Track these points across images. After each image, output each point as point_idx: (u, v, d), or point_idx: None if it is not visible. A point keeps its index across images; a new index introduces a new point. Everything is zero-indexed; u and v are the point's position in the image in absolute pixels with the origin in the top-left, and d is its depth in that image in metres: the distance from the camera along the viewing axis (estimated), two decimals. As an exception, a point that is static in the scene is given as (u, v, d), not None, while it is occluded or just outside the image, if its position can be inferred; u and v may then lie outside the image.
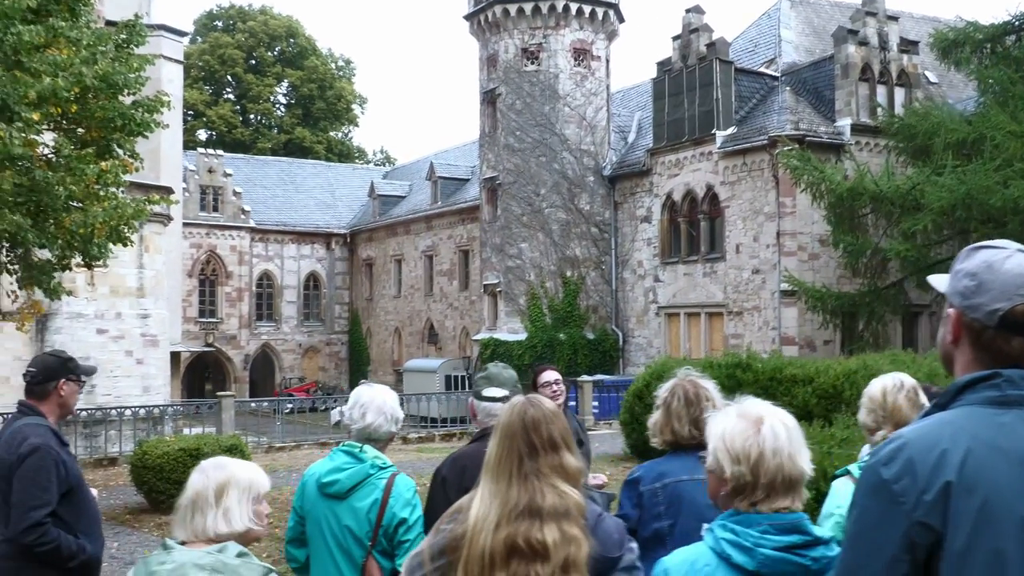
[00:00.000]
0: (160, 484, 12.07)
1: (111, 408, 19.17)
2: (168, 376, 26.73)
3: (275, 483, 15.41)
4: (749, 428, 2.42)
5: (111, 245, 13.13)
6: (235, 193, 45.56)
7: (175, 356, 33.25)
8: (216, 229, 44.86)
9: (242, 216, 45.59)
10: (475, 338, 34.33)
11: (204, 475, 2.78)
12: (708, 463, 2.52)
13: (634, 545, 2.63)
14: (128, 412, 20.38)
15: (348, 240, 48.48)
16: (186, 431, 19.78)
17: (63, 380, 4.66)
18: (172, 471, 12.08)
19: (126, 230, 12.40)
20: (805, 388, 13.29)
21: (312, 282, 48.28)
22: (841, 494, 3.68)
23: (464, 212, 39.89)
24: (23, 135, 9.88)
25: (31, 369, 4.73)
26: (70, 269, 14.01)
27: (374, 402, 3.98)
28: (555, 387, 5.81)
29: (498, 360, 24.04)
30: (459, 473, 3.83)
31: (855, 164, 24.20)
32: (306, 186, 49.83)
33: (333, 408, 20.48)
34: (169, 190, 22.32)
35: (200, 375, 47.81)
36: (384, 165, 63.96)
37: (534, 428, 2.49)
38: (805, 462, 2.44)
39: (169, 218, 27.10)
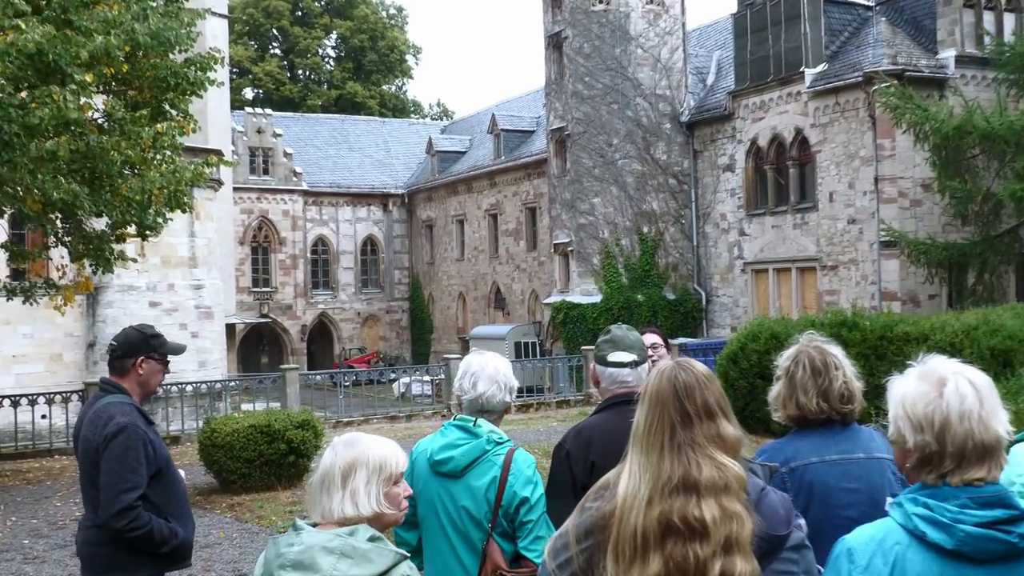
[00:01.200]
0: (230, 463, 12.26)
1: (169, 384, 19.55)
2: (224, 349, 27.19)
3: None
4: (931, 391, 2.32)
5: (167, 212, 13.30)
6: (286, 154, 45.96)
7: (230, 328, 33.84)
8: (267, 193, 45.34)
9: (294, 179, 46.01)
10: (545, 302, 34.28)
11: (333, 453, 2.78)
12: (890, 433, 2.43)
13: (802, 522, 2.55)
14: (189, 388, 20.74)
15: (406, 200, 48.72)
16: (245, 407, 20.09)
17: (143, 357, 4.68)
18: (242, 449, 12.26)
19: (184, 196, 12.55)
20: (919, 347, 12.99)
21: (369, 246, 48.69)
22: (1022, 462, 3.52)
23: (530, 167, 39.77)
24: (77, 98, 9.99)
25: (113, 343, 4.77)
26: (124, 240, 14.22)
27: (485, 370, 3.94)
28: (657, 351, 5.68)
29: (571, 325, 23.64)
30: (584, 447, 3.76)
31: (962, 100, 23.46)
32: (360, 144, 50.10)
33: (396, 380, 20.68)
34: (220, 153, 22.59)
35: (255, 348, 48.55)
36: (442, 119, 64.02)
37: (687, 394, 2.43)
38: (1001, 425, 2.33)
39: (220, 183, 27.43)
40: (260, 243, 45.86)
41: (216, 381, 22.41)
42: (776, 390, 3.62)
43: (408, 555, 2.71)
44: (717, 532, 2.29)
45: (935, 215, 25.71)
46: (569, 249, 32.27)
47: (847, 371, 3.57)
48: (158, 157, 11.88)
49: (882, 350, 12.82)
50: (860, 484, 3.47)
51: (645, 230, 31.64)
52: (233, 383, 24.08)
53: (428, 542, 3.77)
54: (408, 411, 23.31)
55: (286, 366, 23.46)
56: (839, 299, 26.87)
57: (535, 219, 40.11)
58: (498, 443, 3.80)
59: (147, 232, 13.86)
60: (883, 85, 24.30)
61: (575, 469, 3.73)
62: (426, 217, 47.95)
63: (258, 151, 45.30)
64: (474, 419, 3.87)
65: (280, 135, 46.07)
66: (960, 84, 25.81)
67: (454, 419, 3.93)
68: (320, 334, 47.72)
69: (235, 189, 39.52)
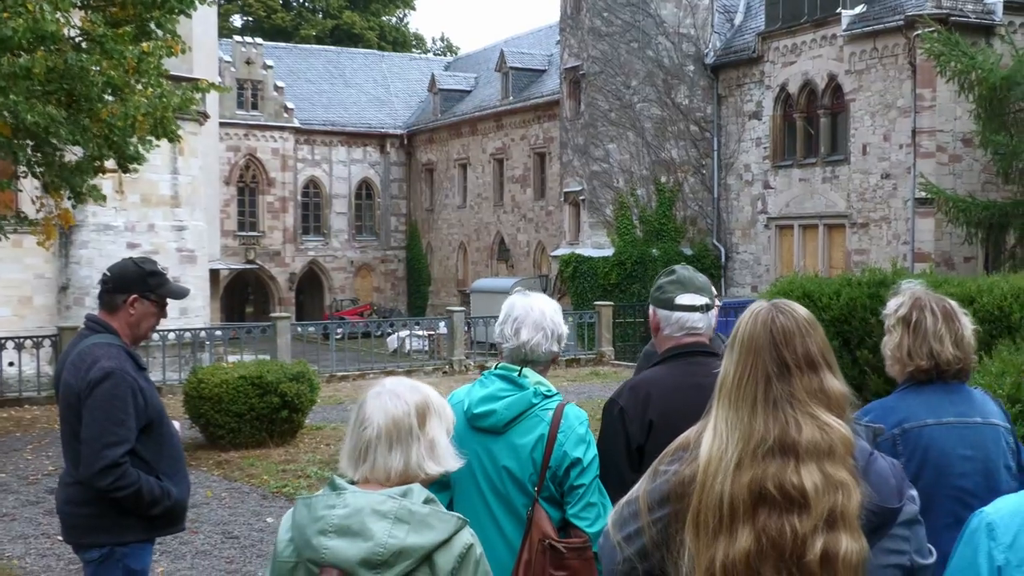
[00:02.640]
0: (218, 417, 12.07)
1: (149, 331, 19.27)
2: (207, 297, 26.96)
3: (346, 417, 15.52)
4: None
5: (152, 142, 12.97)
6: (276, 88, 45.58)
7: (213, 275, 33.61)
8: (256, 130, 45.00)
9: (285, 115, 45.67)
10: (553, 254, 34.11)
11: (397, 398, 2.52)
12: None
13: (914, 492, 2.33)
14: (172, 336, 20.53)
15: (405, 142, 48.40)
16: (231, 359, 19.88)
17: (136, 296, 4.38)
18: (232, 402, 12.05)
19: (171, 124, 12.21)
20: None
21: (365, 190, 48.44)
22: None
23: (540, 108, 39.40)
24: (55, 9, 9.62)
25: (106, 273, 4.47)
26: (103, 172, 13.90)
27: (530, 315, 3.66)
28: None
29: (580, 279, 23.38)
30: (641, 403, 3.53)
31: (1011, 48, 23.05)
32: (357, 80, 49.68)
33: (391, 334, 20.54)
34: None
35: (240, 296, 48.44)
36: (446, 55, 63.68)
37: (786, 341, 2.22)
38: None
39: (206, 116, 27.03)
40: (247, 184, 45.57)
41: (201, 329, 22.18)
42: (896, 340, 3.43)
43: (468, 520, 2.50)
44: (819, 503, 2.11)
45: (975, 172, 25.52)
46: (580, 198, 32.04)
47: (966, 322, 3.46)
48: (143, 80, 11.51)
49: None
50: (976, 451, 3.31)
51: (663, 180, 31.40)
52: (219, 332, 23.86)
53: (461, 507, 3.50)
54: (407, 366, 23.14)
55: (277, 315, 23.26)
56: (868, 259, 26.51)
57: (544, 165, 39.79)
58: (546, 396, 3.56)
59: (128, 164, 13.53)
60: (927, 30, 23.91)
61: (630, 429, 3.51)
62: (426, 160, 47.63)
63: (247, 84, 44.82)
64: (519, 368, 3.62)
65: (271, 67, 45.64)
66: (1008, 31, 25.40)
67: (496, 367, 3.68)
68: (310, 283, 47.59)
69: (221, 124, 39.09)
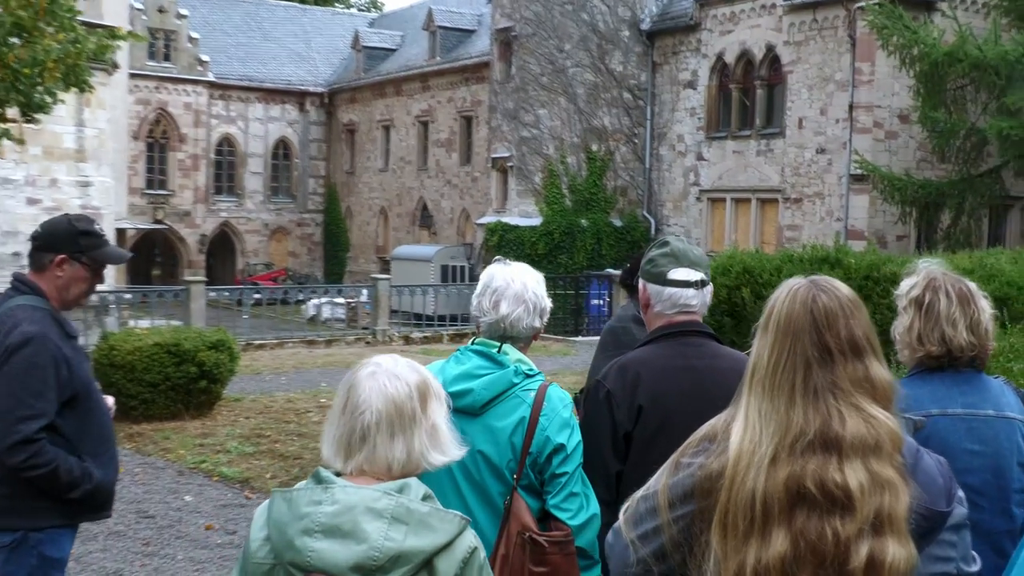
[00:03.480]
0: (130, 386, 11.67)
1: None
2: (115, 257, 26.18)
3: (266, 388, 15.09)
4: None
5: (60, 91, 12.44)
6: (191, 39, 44.72)
7: (120, 234, 32.78)
8: (168, 83, 44.12)
9: (199, 68, 44.81)
10: (479, 222, 34.00)
11: (396, 379, 2.29)
12: None
13: (962, 494, 2.21)
14: (73, 298, 19.82)
15: (326, 101, 47.89)
16: (139, 324, 19.34)
17: (64, 256, 4.05)
18: (145, 371, 11.66)
19: (83, 72, 11.69)
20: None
21: (282, 150, 47.82)
22: None
23: (469, 70, 39.16)
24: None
25: (37, 229, 4.15)
26: (5, 120, 13.32)
27: (511, 287, 3.48)
28: None
29: (507, 248, 23.17)
30: (630, 386, 3.37)
31: (955, 24, 23.29)
32: (276, 34, 48.90)
33: (306, 301, 20.20)
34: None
35: (147, 257, 47.37)
36: (370, 11, 62.99)
37: (828, 324, 2.08)
38: None
39: (115, 66, 26.18)
40: (157, 139, 44.66)
41: (109, 292, 21.53)
42: (907, 323, 3.29)
43: (470, 519, 2.29)
44: (865, 504, 1.97)
45: (911, 149, 25.81)
46: (509, 165, 31.86)
47: (986, 307, 3.30)
48: (55, 24, 10.99)
49: (867, 290, 12.63)
50: (985, 447, 3.19)
51: (594, 148, 31.30)
52: (128, 296, 23.24)
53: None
54: (328, 336, 22.77)
55: (191, 278, 22.71)
56: (801, 235, 26.80)
57: (471, 129, 39.51)
58: (528, 375, 3.38)
59: (33, 113, 12.95)
60: (869, 2, 24.04)
61: (617, 415, 3.35)
62: (348, 121, 47.08)
63: (159, 33, 43.73)
64: (498, 344, 3.44)
65: (185, 16, 44.73)
66: (951, 7, 25.61)
67: (472, 342, 3.51)
68: (221, 246, 46.85)
69: (131, 75, 38.00)
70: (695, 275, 3.50)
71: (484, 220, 32.79)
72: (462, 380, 3.33)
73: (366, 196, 45.78)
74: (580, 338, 24.22)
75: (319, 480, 2.21)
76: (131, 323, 19.56)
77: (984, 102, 23.07)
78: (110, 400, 4.37)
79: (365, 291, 25.58)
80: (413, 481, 2.22)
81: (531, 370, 3.41)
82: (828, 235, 25.68)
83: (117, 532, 8.08)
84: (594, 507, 3.25)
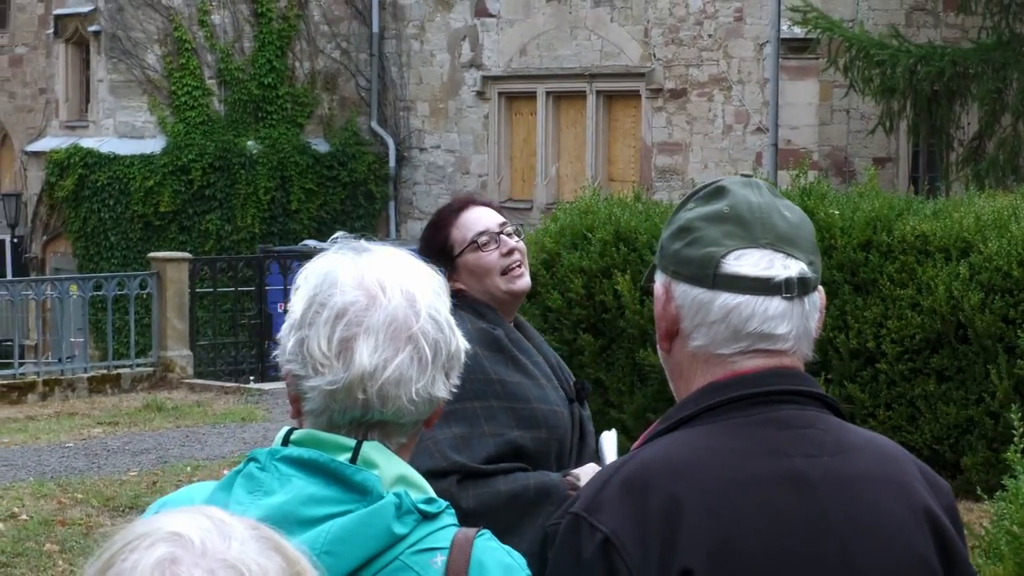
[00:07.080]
0: None
1: None
2: None
3: None
4: None
5: None
6: None
7: None
8: None
9: None
10: (29, 149, 23.77)
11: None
12: None
13: None
14: None
15: None
16: None
17: None
18: None
19: None
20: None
21: None
22: None
23: None
24: None
25: None
26: None
27: (379, 304, 1.76)
28: (505, 242, 3.28)
29: (95, 201, 16.84)
30: (660, 524, 1.72)
31: None
32: None
33: None
34: None
35: None
36: None
37: None
38: None
39: None
40: None
41: None
42: None
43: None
44: None
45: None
46: (92, 30, 21.57)
47: None
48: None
49: (891, 294, 9.42)
50: None
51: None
52: None
53: None
54: None
55: None
56: (687, 163, 18.59)
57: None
58: (424, 514, 1.79)
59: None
60: None
61: None
62: None
63: None
64: (350, 443, 1.78)
65: None
66: None
67: (290, 438, 1.77)
68: None
69: None
70: (788, 266, 1.77)
71: (40, 146, 22.76)
72: (284, 528, 1.90)
73: None
74: (269, 385, 15.30)
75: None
76: None
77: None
78: None
79: None
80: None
81: (429, 499, 1.87)
82: (743, 160, 18.55)
83: None
84: None
